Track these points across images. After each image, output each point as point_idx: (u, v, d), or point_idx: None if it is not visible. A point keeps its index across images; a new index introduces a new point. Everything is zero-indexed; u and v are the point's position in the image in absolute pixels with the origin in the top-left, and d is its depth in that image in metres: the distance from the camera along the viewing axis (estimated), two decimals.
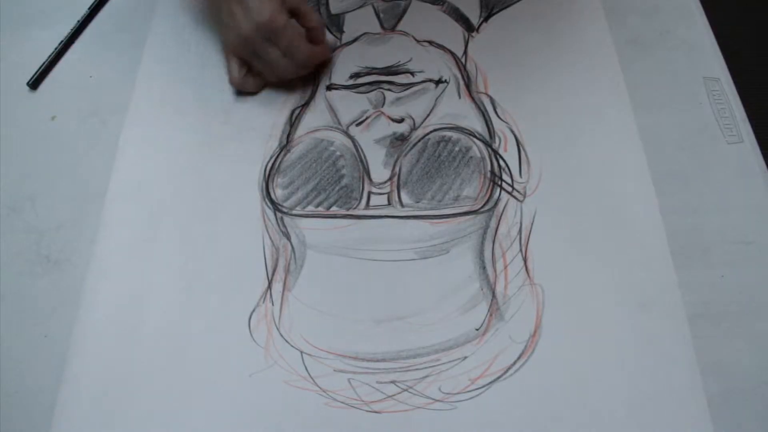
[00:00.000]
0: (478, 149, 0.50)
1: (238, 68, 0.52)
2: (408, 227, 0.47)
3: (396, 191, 0.48)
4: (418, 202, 0.48)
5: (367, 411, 0.40)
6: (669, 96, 0.52)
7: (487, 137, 0.51)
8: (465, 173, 0.49)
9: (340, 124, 0.52)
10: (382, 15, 0.58)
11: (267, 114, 0.53)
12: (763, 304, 0.43)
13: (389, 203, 0.48)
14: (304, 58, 0.51)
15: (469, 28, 0.57)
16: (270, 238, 0.47)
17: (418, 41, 0.56)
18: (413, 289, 0.44)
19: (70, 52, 0.58)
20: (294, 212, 0.48)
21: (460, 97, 0.53)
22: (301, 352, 0.43)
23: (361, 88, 0.53)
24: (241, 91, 0.54)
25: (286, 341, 0.43)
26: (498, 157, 0.50)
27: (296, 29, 0.50)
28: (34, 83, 0.56)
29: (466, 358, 0.42)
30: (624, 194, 0.47)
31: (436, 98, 0.53)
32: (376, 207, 0.48)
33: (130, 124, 0.53)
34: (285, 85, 0.54)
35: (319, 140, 0.51)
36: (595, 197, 0.47)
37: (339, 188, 0.48)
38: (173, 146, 0.52)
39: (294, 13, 0.51)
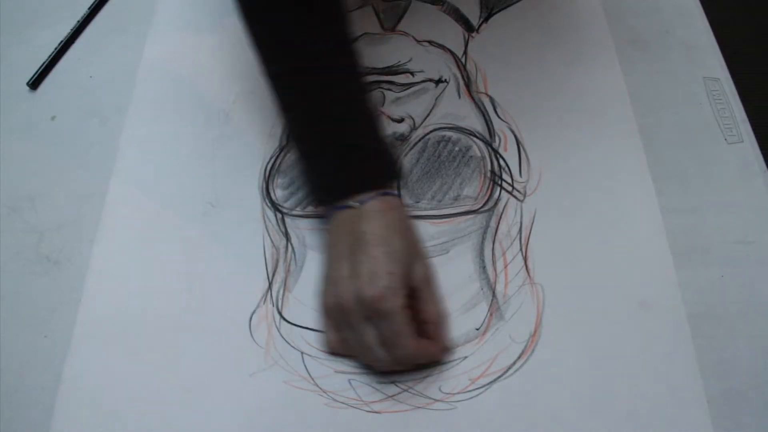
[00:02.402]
0: (478, 149, 0.50)
1: (334, 331, 0.41)
2: None
3: (396, 191, 0.48)
4: (418, 202, 0.48)
5: (368, 411, 0.40)
6: (669, 96, 0.52)
7: (487, 137, 0.51)
8: (465, 173, 0.49)
9: None
10: (381, 15, 0.58)
11: (267, 114, 0.53)
12: (763, 304, 0.43)
13: None
14: (405, 357, 0.38)
15: (469, 28, 0.57)
16: (270, 238, 0.47)
17: (417, 41, 0.56)
18: None
19: (70, 52, 0.58)
20: (294, 213, 0.48)
21: (460, 97, 0.53)
22: (302, 353, 0.43)
23: None
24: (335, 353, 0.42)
25: (287, 342, 0.43)
26: (498, 156, 0.50)
27: (405, 321, 0.38)
28: (34, 83, 0.56)
29: (466, 357, 0.42)
30: (624, 194, 0.47)
31: (436, 98, 0.53)
32: None
33: (130, 124, 0.53)
34: None
35: None
36: (595, 197, 0.47)
37: None
38: (173, 146, 0.52)
39: (414, 296, 0.40)
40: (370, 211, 0.40)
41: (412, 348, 0.38)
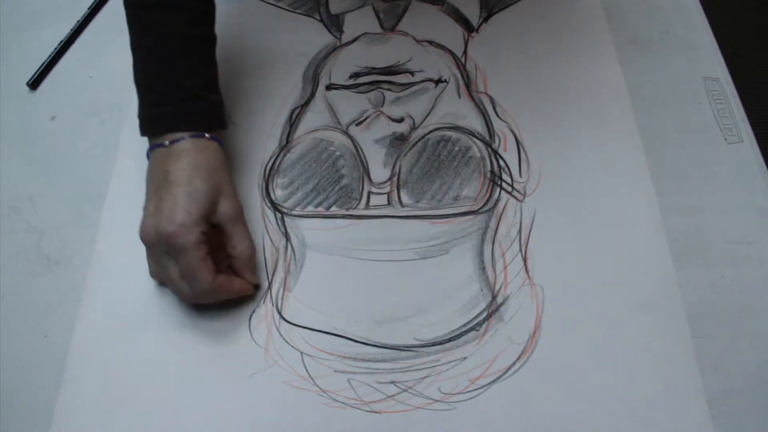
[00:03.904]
0: (477, 149, 0.50)
1: (153, 261, 0.44)
2: (408, 227, 0.47)
3: (396, 191, 0.48)
4: (417, 202, 0.48)
5: (367, 411, 0.40)
6: (669, 96, 0.52)
7: (486, 137, 0.51)
8: (465, 173, 0.49)
9: (339, 124, 0.52)
10: (381, 15, 0.58)
11: (267, 114, 0.53)
12: (763, 304, 0.43)
13: (389, 203, 0.48)
14: (203, 291, 0.41)
15: (468, 28, 0.57)
16: (270, 238, 0.47)
17: (417, 41, 0.56)
18: (413, 290, 0.44)
19: (70, 52, 0.58)
20: (294, 212, 0.48)
21: (459, 97, 0.53)
22: (301, 353, 0.43)
23: (361, 88, 0.53)
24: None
25: (286, 342, 0.43)
26: (498, 156, 0.50)
27: (198, 255, 0.40)
28: (34, 83, 0.56)
29: (465, 358, 0.42)
30: (624, 194, 0.47)
31: (436, 98, 0.53)
32: (376, 207, 0.48)
33: (130, 124, 0.53)
34: (283, 84, 0.54)
35: (318, 140, 0.51)
36: (595, 197, 0.47)
37: (339, 188, 0.48)
38: None
39: (222, 232, 0.43)
40: (178, 152, 0.43)
41: (209, 282, 0.41)
